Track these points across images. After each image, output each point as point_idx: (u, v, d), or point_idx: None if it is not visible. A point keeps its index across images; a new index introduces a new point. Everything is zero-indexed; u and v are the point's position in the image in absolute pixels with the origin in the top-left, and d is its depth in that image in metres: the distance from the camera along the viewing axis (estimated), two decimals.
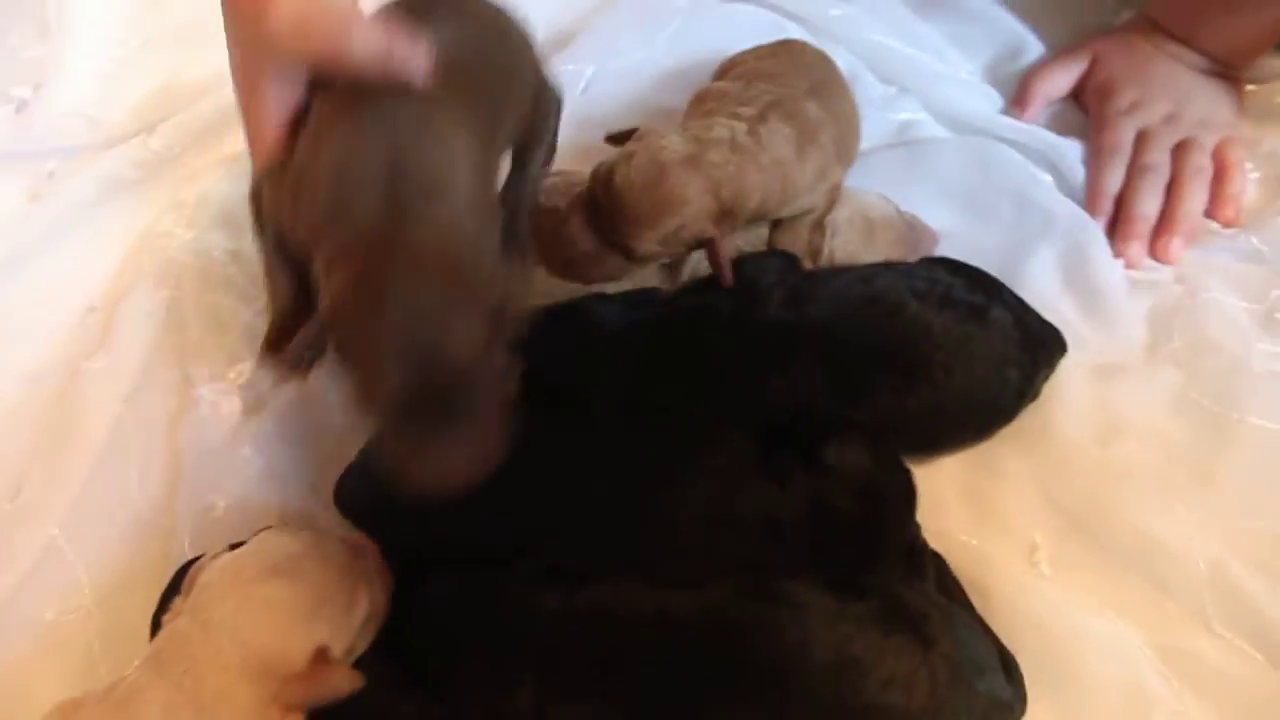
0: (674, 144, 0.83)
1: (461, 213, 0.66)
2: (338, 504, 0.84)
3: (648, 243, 0.82)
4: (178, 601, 0.74)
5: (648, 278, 0.94)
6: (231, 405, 0.95)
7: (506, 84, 0.81)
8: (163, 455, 0.93)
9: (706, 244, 0.84)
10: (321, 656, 0.70)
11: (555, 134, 0.91)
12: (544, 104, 0.88)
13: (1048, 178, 1.06)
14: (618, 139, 0.88)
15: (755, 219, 0.88)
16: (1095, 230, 1.00)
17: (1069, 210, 1.02)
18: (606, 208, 0.82)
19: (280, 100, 0.71)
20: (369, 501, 0.82)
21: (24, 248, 1.09)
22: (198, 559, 0.77)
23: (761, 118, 0.87)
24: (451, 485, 0.63)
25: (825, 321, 0.84)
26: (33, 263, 1.09)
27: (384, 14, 0.75)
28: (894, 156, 1.07)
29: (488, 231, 0.69)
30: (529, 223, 0.88)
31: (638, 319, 0.88)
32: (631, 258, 0.84)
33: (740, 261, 0.88)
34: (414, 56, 0.69)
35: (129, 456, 0.92)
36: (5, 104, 1.22)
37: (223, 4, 0.73)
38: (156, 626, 0.75)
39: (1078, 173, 1.06)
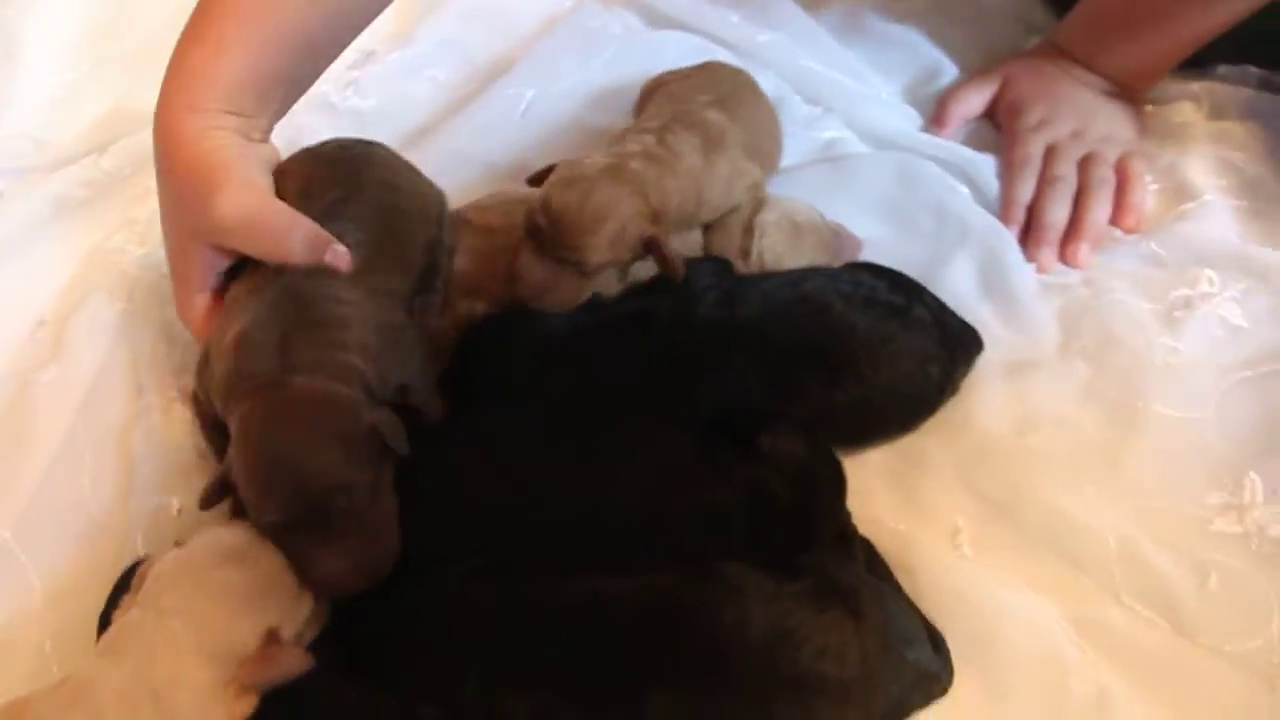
0: (594, 161, 0.89)
1: (346, 358, 0.78)
2: None
3: (598, 251, 0.86)
4: (127, 599, 0.75)
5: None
6: (182, 412, 0.96)
7: (406, 240, 0.91)
8: (115, 460, 0.94)
9: (650, 243, 0.88)
10: (273, 638, 0.72)
11: (449, 270, 0.97)
12: (438, 251, 0.95)
13: (964, 190, 1.11)
14: (537, 179, 0.93)
15: (679, 223, 0.93)
16: (1009, 238, 1.06)
17: (984, 220, 1.07)
18: (551, 233, 0.86)
19: (207, 276, 0.87)
20: None
21: None
22: (145, 559, 0.78)
23: (666, 128, 0.93)
24: (344, 588, 0.74)
25: (756, 321, 0.89)
26: None
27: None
28: (819, 171, 1.12)
29: (384, 358, 0.82)
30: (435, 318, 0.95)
31: (580, 324, 0.91)
32: (587, 270, 0.88)
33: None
34: (340, 258, 0.83)
35: (81, 463, 0.93)
36: None
37: (166, 184, 0.88)
38: (105, 626, 0.75)
39: (992, 185, 1.12)
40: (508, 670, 0.74)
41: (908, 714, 0.76)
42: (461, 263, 0.96)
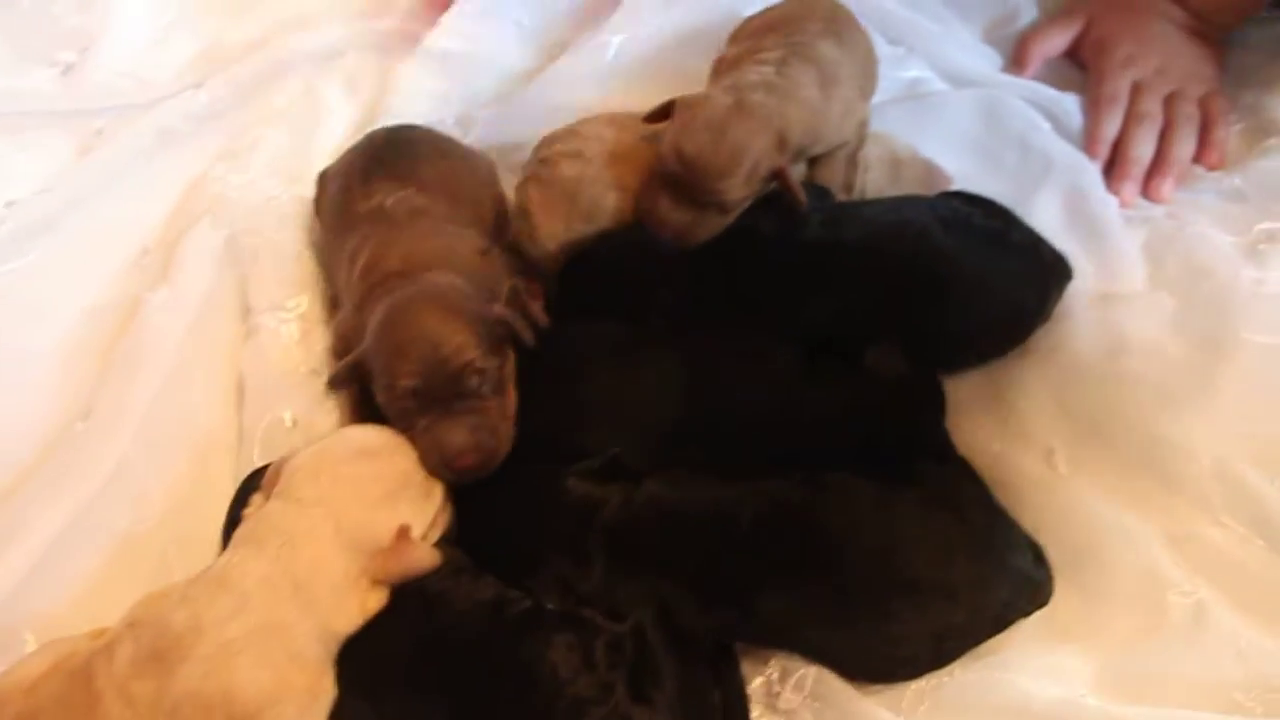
0: (717, 99, 0.89)
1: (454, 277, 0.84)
2: None
3: (736, 189, 0.87)
4: (257, 497, 0.77)
5: None
6: (290, 332, 0.97)
7: (473, 195, 0.98)
8: (225, 378, 0.96)
9: (778, 174, 0.89)
10: (404, 534, 0.73)
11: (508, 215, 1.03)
12: (501, 202, 1.02)
13: (1047, 125, 1.11)
14: (655, 116, 0.93)
15: (797, 155, 0.93)
16: (1094, 172, 1.06)
17: (1068, 155, 1.07)
18: (687, 178, 0.87)
19: None
20: None
21: (79, 195, 1.12)
22: (264, 469, 0.80)
23: (784, 60, 0.92)
24: (462, 463, 0.77)
25: (860, 243, 0.89)
26: (87, 209, 1.11)
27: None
28: (904, 109, 1.12)
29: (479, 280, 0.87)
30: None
31: None
32: (727, 210, 0.88)
33: (778, 193, 0.92)
34: None
35: (194, 380, 0.95)
36: (51, 67, 1.25)
37: None
38: (230, 531, 0.77)
39: (1075, 121, 1.12)
40: (628, 561, 0.75)
41: (1012, 619, 0.76)
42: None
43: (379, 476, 0.75)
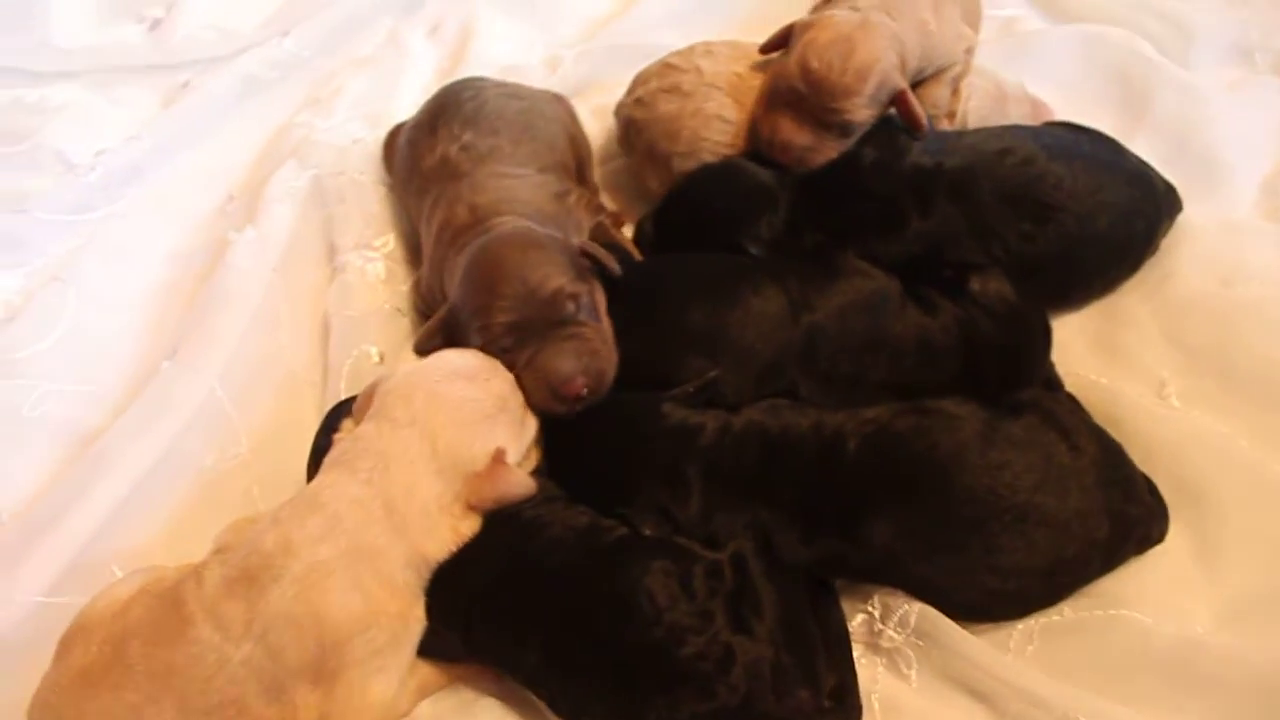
0: (842, 17, 0.85)
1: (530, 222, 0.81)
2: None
3: (861, 109, 0.84)
4: (347, 423, 0.74)
5: None
6: (376, 270, 0.96)
7: (546, 132, 0.94)
8: (311, 316, 0.94)
9: (899, 96, 0.85)
10: (500, 458, 0.70)
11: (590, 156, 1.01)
12: (581, 143, 0.99)
13: (1150, 52, 1.05)
14: (771, 45, 0.90)
15: (914, 77, 0.89)
16: (1203, 97, 1.00)
17: (1176, 82, 1.01)
18: (813, 96, 0.84)
19: None
20: None
21: (166, 143, 1.11)
22: (351, 399, 0.77)
23: None
24: (572, 389, 0.73)
25: (963, 170, 0.84)
26: (174, 156, 1.11)
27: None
28: (1002, 48, 1.07)
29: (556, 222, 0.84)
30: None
31: (787, 171, 0.88)
32: (849, 132, 0.85)
33: (881, 123, 0.88)
34: None
35: (279, 319, 0.94)
36: (139, 23, 1.24)
37: None
38: (316, 461, 0.74)
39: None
40: (727, 489, 0.72)
41: (1126, 556, 0.72)
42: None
43: (475, 399, 0.71)
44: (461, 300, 0.77)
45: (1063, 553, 0.69)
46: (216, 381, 0.89)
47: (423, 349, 0.79)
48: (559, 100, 0.98)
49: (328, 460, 0.71)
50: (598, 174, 1.00)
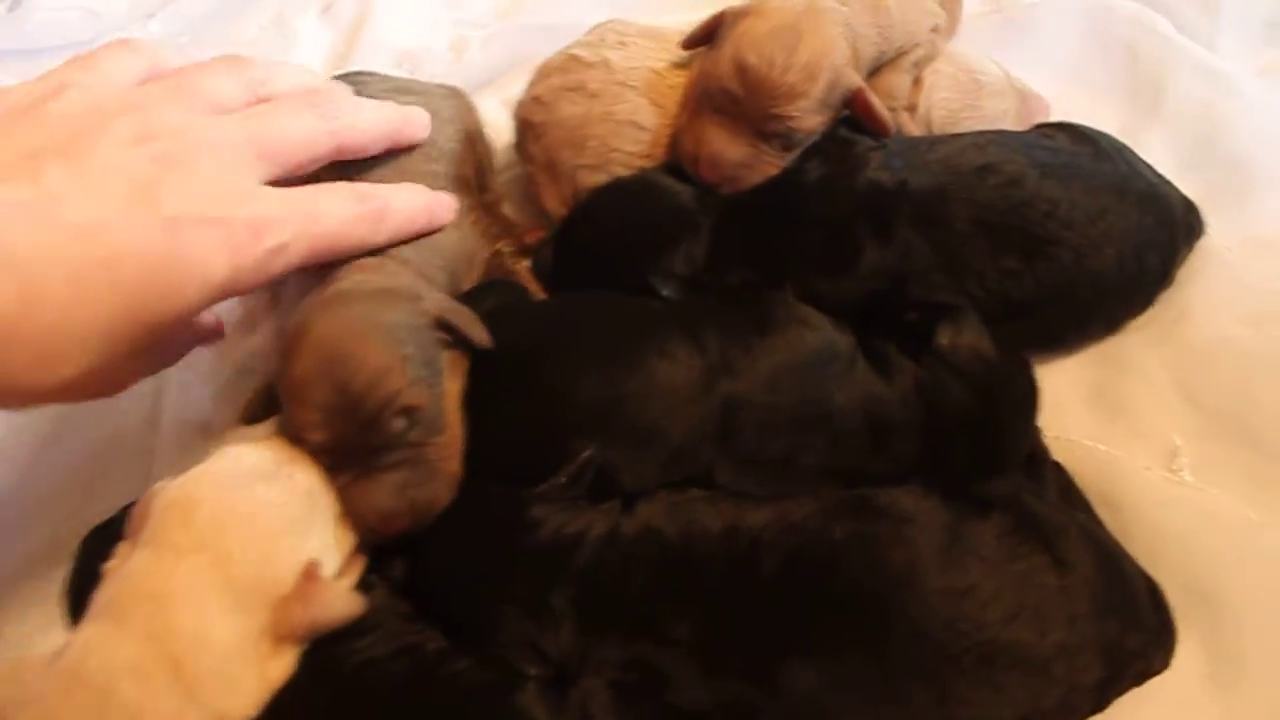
0: (781, 2, 0.71)
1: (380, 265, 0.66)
2: None
3: (809, 115, 0.69)
4: (122, 547, 0.58)
5: None
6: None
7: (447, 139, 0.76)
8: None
9: (856, 98, 0.71)
10: (312, 574, 0.56)
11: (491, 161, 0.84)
12: (480, 147, 0.82)
13: (1166, 27, 0.88)
14: (696, 40, 0.75)
15: (870, 70, 0.75)
16: (1227, 82, 0.83)
17: (1195, 63, 0.85)
18: (750, 99, 0.69)
19: None
20: None
21: None
22: (122, 514, 0.62)
23: None
24: (388, 530, 0.59)
25: (931, 190, 0.68)
26: None
27: None
28: (990, 26, 0.92)
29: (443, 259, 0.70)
30: None
31: (711, 192, 0.73)
32: (793, 143, 0.71)
33: (826, 136, 0.73)
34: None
35: None
36: None
37: None
38: (78, 598, 0.59)
39: None
40: (607, 620, 0.57)
41: (1117, 694, 0.57)
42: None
43: (276, 504, 0.57)
44: (278, 385, 0.61)
45: (1040, 702, 0.54)
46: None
47: (249, 419, 0.66)
48: (456, 95, 0.81)
49: (96, 603, 0.55)
50: (503, 179, 0.85)
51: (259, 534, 0.55)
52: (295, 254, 0.59)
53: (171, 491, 0.57)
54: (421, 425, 0.59)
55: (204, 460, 0.59)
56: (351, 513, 0.59)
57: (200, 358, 0.77)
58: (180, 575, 0.54)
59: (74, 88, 0.58)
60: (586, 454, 0.60)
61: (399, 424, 0.57)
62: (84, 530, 0.66)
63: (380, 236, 0.64)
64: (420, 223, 0.67)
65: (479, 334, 0.62)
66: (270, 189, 0.60)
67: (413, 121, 0.70)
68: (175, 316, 0.56)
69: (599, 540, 0.58)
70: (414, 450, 0.59)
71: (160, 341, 0.58)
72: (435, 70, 0.93)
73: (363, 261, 0.64)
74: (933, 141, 0.73)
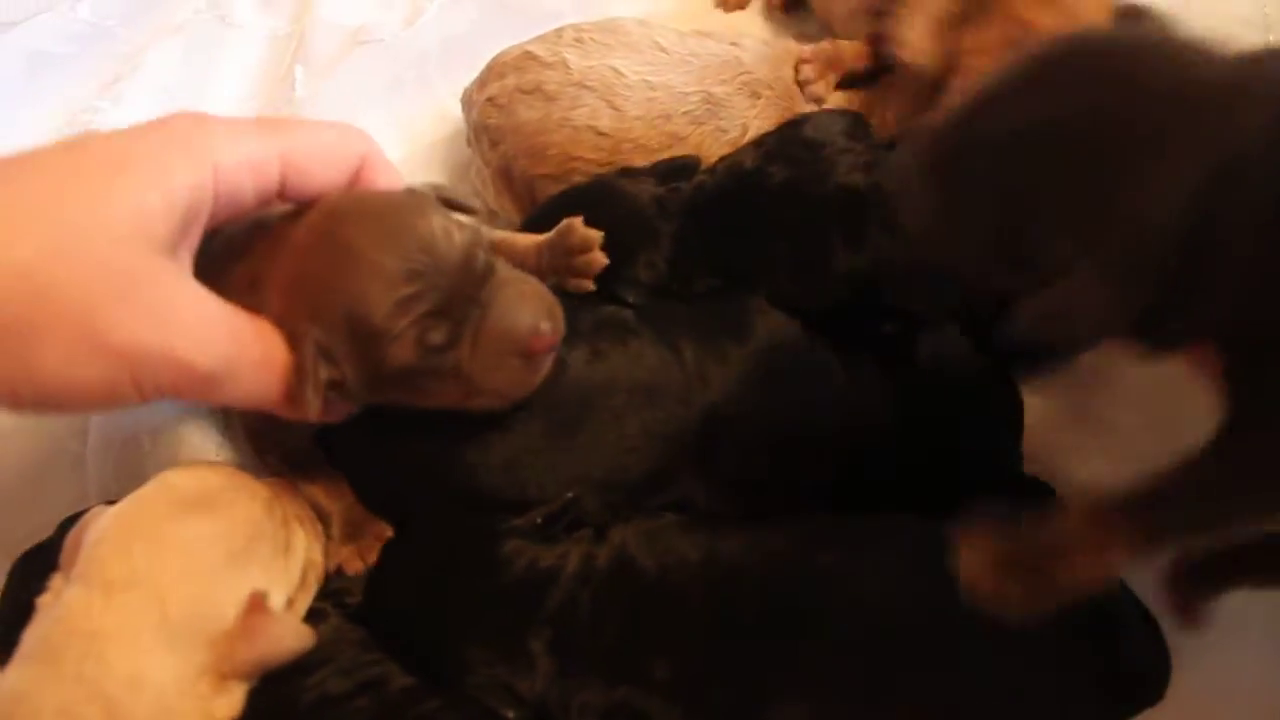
0: None
1: None
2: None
3: None
4: (56, 579, 0.53)
5: None
6: None
7: None
8: None
9: None
10: (257, 605, 0.51)
11: None
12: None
13: None
14: None
15: None
16: None
17: None
18: None
19: None
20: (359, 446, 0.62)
21: None
22: (55, 541, 0.58)
23: None
24: (544, 340, 0.55)
25: None
26: None
27: None
28: None
29: None
30: None
31: (676, 195, 0.68)
32: None
33: (797, 122, 0.69)
34: None
35: None
36: None
37: None
38: (6, 631, 0.53)
39: None
40: (585, 662, 0.53)
41: None
42: None
43: (215, 536, 0.52)
44: (335, 319, 0.52)
45: None
46: None
47: (319, 414, 0.53)
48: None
49: (25, 642, 0.50)
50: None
51: (196, 568, 0.51)
52: None
53: (105, 521, 0.53)
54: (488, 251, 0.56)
55: (140, 486, 0.54)
56: (496, 349, 0.54)
57: None
58: (113, 614, 0.49)
59: None
60: (569, 496, 0.57)
61: (483, 255, 0.54)
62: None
63: None
64: None
65: (471, 206, 0.59)
66: None
67: None
68: None
69: (573, 578, 0.54)
70: (496, 275, 0.55)
71: None
72: (386, 38, 0.89)
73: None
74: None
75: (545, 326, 0.55)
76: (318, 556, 0.58)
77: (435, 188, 0.59)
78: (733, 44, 0.75)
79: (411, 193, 0.56)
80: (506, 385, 0.55)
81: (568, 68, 0.71)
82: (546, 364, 0.57)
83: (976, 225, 0.43)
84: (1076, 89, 0.40)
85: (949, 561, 0.51)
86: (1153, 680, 0.54)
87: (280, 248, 0.53)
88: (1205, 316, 0.41)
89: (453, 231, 0.53)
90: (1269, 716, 0.56)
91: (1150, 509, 0.44)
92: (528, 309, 0.55)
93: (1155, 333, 0.42)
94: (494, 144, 0.73)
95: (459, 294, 0.53)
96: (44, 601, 0.52)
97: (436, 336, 0.52)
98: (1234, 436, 0.42)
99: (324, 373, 0.51)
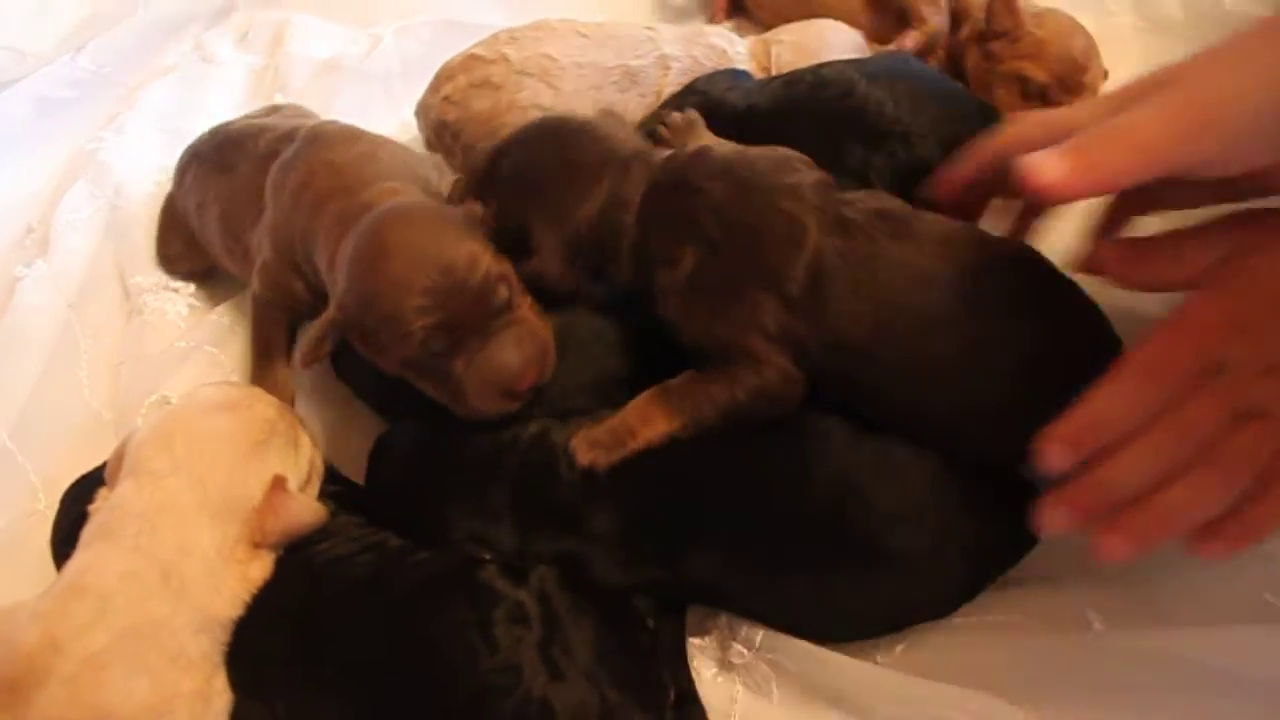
0: None
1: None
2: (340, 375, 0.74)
3: None
4: (101, 493, 0.63)
5: None
6: (176, 307, 0.85)
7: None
8: (114, 353, 0.83)
9: None
10: (279, 486, 0.61)
11: None
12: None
13: None
14: None
15: None
16: None
17: None
18: None
19: None
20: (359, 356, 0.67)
21: None
22: (96, 471, 0.66)
23: None
24: (525, 381, 0.62)
25: (774, 111, 0.74)
26: None
27: None
28: None
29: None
30: None
31: None
32: None
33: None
34: None
35: (78, 357, 0.83)
36: None
37: None
38: (64, 547, 0.62)
39: None
40: (538, 521, 0.61)
41: (991, 580, 0.59)
42: None
43: (240, 429, 0.62)
44: (359, 302, 0.61)
45: (911, 594, 0.58)
46: (6, 434, 0.78)
47: (310, 360, 0.63)
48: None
49: (85, 536, 0.60)
50: None
51: (229, 454, 0.61)
52: None
53: (145, 431, 0.62)
54: (513, 290, 0.62)
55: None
56: (482, 379, 0.60)
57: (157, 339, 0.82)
58: (163, 496, 0.59)
59: None
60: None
61: (503, 291, 0.61)
62: None
63: None
64: None
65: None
66: None
67: None
68: None
69: (528, 442, 0.62)
70: (512, 312, 0.62)
71: None
72: (353, 66, 0.98)
73: (388, 186, 0.68)
74: (773, 77, 0.80)
75: (530, 372, 0.61)
76: (318, 460, 0.68)
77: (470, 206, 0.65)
78: (648, 28, 0.86)
79: (464, 213, 0.63)
80: (484, 408, 0.62)
81: (508, 61, 0.81)
82: (525, 398, 0.62)
83: (506, 223, 0.64)
84: (548, 146, 0.65)
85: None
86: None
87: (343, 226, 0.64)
88: (616, 278, 0.64)
89: (479, 261, 0.60)
90: None
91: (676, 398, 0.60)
92: (521, 353, 0.61)
93: (600, 284, 0.65)
94: (455, 136, 0.82)
95: (467, 317, 0.59)
96: (94, 508, 0.61)
97: (437, 344, 0.59)
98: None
99: (328, 346, 0.62)
